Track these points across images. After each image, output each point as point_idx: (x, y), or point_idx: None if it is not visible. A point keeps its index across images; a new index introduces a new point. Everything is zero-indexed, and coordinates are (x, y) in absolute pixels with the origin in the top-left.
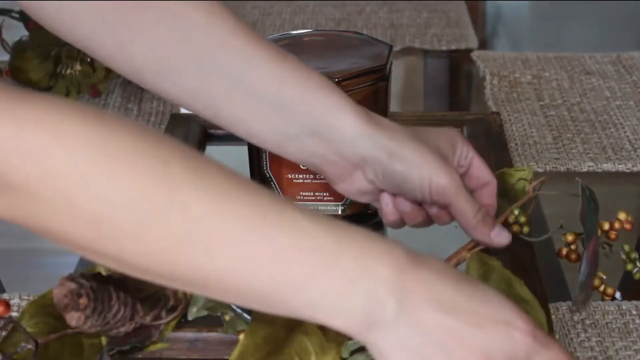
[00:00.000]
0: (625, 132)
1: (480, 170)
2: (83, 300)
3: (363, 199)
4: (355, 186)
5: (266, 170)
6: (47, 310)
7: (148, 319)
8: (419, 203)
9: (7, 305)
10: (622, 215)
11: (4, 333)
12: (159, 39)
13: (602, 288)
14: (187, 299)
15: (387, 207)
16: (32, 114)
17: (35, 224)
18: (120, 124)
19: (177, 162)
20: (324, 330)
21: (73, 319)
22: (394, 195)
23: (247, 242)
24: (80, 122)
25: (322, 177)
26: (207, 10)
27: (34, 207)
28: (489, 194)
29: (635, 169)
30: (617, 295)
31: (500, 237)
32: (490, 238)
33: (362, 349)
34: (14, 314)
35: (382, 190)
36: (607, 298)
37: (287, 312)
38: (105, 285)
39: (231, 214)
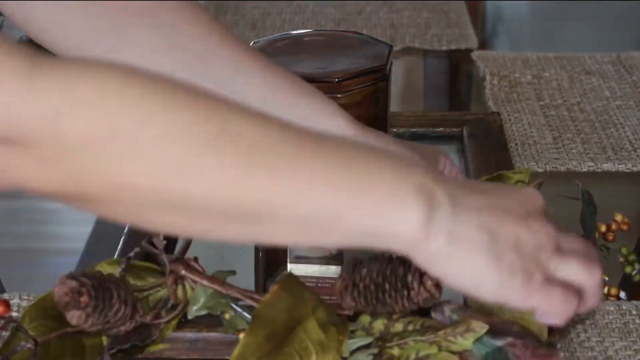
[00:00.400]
0: (625, 132)
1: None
2: (84, 299)
3: None
4: None
5: None
6: (47, 312)
7: (148, 318)
8: None
9: (7, 305)
10: (618, 217)
11: (4, 333)
12: (149, 48)
13: (605, 290)
14: (186, 299)
15: None
16: (79, 70)
17: (92, 182)
18: (156, 75)
19: (218, 98)
20: (324, 329)
21: (74, 317)
22: None
23: (305, 166)
24: (125, 70)
25: None
26: (195, 19)
27: (96, 161)
28: None
29: (635, 169)
30: (622, 294)
31: None
32: None
33: (362, 349)
34: (14, 314)
35: None
36: (612, 298)
37: (342, 238)
38: (106, 283)
39: (285, 141)
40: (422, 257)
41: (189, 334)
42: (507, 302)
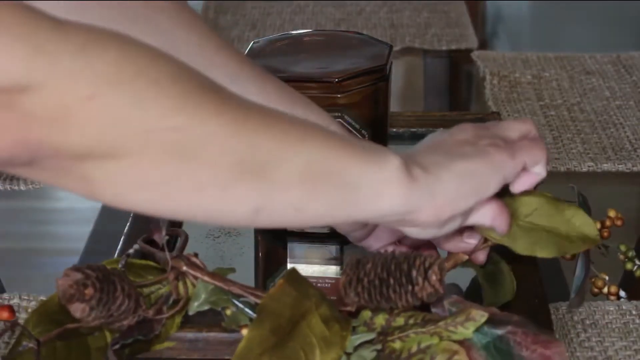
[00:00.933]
0: (625, 132)
1: None
2: (89, 291)
3: (339, 226)
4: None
5: None
6: (50, 317)
7: (151, 313)
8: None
9: (12, 311)
10: (611, 213)
11: (6, 338)
12: None
13: (605, 289)
14: (188, 295)
15: None
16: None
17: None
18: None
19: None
20: (327, 325)
21: (77, 310)
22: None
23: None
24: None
25: None
26: (193, 27)
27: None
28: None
29: (635, 169)
30: (622, 293)
31: (471, 238)
32: (463, 242)
33: (365, 344)
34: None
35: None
36: (612, 298)
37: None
38: (110, 276)
39: (278, 127)
40: (412, 181)
41: (189, 334)
42: (506, 180)
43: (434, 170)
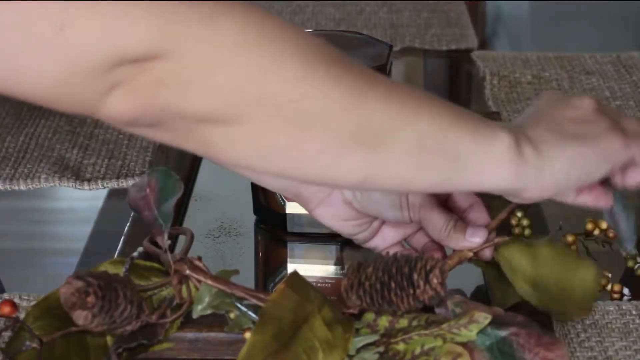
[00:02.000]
0: None
1: (462, 192)
2: (91, 299)
3: (343, 229)
4: (332, 210)
5: None
6: (51, 312)
7: (154, 318)
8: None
9: (14, 306)
10: None
11: (9, 333)
12: None
13: (609, 287)
14: (191, 298)
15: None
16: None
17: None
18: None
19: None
20: (330, 327)
21: (80, 317)
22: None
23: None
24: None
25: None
26: None
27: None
28: (480, 214)
29: None
30: (626, 291)
31: (475, 236)
32: (465, 240)
33: (368, 346)
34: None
35: (360, 218)
36: (616, 296)
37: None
38: (112, 283)
39: (395, 98)
40: (520, 182)
41: (189, 334)
42: (613, 169)
43: (545, 151)
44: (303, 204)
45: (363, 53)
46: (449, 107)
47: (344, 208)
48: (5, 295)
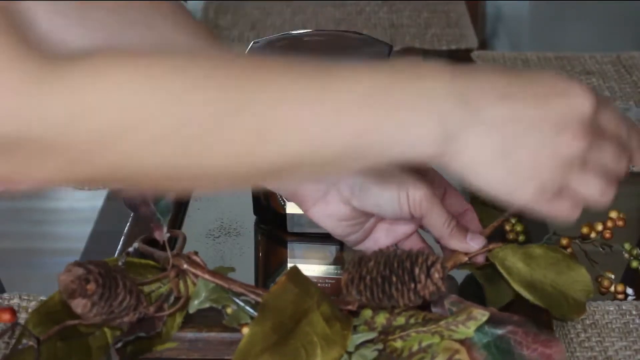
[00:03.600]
0: None
1: (455, 198)
2: (91, 286)
3: (336, 230)
4: (329, 208)
5: None
6: (50, 317)
7: (151, 310)
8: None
9: (14, 313)
10: (613, 214)
11: (6, 338)
12: None
13: (612, 288)
14: (188, 293)
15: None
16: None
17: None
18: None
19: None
20: (329, 323)
21: (79, 305)
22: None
23: (315, 110)
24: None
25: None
26: (190, 32)
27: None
28: (472, 221)
29: (635, 169)
30: (630, 291)
31: (474, 242)
32: (466, 242)
33: (366, 343)
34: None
35: (356, 218)
36: (620, 296)
37: (375, 158)
38: (112, 272)
39: (292, 92)
40: (448, 161)
41: (189, 334)
42: (517, 203)
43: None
44: (299, 203)
45: (363, 53)
46: (375, 95)
47: (340, 207)
48: (5, 296)
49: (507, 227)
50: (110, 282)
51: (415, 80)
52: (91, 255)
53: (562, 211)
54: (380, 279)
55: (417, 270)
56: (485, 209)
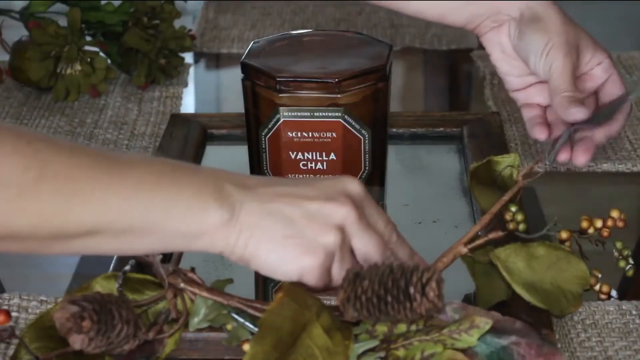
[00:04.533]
0: (625, 132)
1: (615, 88)
2: (86, 323)
3: (501, 62)
4: (499, 38)
5: (266, 170)
6: (47, 332)
7: (150, 335)
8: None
9: (8, 314)
10: (615, 213)
11: (2, 347)
12: None
13: (597, 287)
14: (187, 310)
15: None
16: None
17: None
18: None
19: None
20: (329, 334)
21: (76, 341)
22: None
23: (119, 186)
24: None
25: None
26: None
27: None
28: (615, 84)
29: (635, 169)
30: (613, 293)
31: (579, 112)
32: (569, 110)
33: (368, 352)
34: (14, 314)
35: (516, 58)
36: (604, 296)
37: (165, 234)
38: (107, 305)
39: (97, 168)
40: (232, 255)
41: (189, 334)
42: (292, 277)
43: (252, 231)
44: (476, 29)
45: (363, 53)
46: (158, 188)
47: (507, 40)
48: (5, 296)
49: (508, 217)
50: (105, 316)
51: (197, 170)
52: (91, 255)
53: (337, 280)
54: (375, 299)
55: (412, 290)
56: (485, 194)
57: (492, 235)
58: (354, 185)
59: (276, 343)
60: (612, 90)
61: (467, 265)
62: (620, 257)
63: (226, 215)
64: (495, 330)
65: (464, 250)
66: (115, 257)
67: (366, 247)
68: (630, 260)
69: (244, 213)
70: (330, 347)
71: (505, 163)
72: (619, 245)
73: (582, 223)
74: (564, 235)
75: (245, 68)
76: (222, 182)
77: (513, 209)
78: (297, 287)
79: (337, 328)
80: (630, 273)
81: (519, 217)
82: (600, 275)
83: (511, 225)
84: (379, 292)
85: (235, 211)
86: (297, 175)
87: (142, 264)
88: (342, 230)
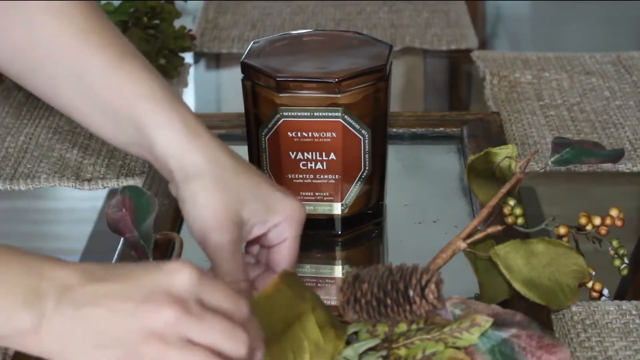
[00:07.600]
0: (625, 132)
1: (285, 253)
2: None
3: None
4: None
5: (266, 170)
6: None
7: None
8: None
9: None
10: (614, 212)
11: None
12: (14, 45)
13: (590, 284)
14: None
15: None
16: None
17: None
18: None
19: None
20: (323, 330)
21: None
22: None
23: None
24: None
25: (322, 177)
26: (58, 13)
27: None
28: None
29: (635, 169)
30: (605, 292)
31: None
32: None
33: (370, 351)
34: None
35: None
36: (595, 294)
37: None
38: None
39: None
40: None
41: None
42: None
43: (62, 337)
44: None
45: (363, 53)
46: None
47: None
48: None
49: (506, 211)
50: None
51: (14, 264)
52: (91, 255)
53: None
54: (375, 302)
55: (411, 292)
56: (483, 187)
57: (490, 230)
58: (181, 278)
59: (264, 326)
60: (281, 257)
61: (470, 262)
62: (616, 255)
63: (35, 321)
64: (495, 324)
65: (463, 245)
66: (119, 248)
67: (211, 339)
68: (626, 260)
69: (56, 319)
70: (320, 344)
71: (503, 154)
72: (615, 243)
73: (581, 219)
74: (562, 230)
75: (245, 68)
76: (40, 280)
77: (511, 202)
78: (294, 277)
79: (332, 326)
80: (625, 272)
81: (518, 211)
82: (594, 273)
83: (510, 219)
84: (378, 295)
85: (45, 317)
86: (296, 175)
87: None
88: (162, 336)
